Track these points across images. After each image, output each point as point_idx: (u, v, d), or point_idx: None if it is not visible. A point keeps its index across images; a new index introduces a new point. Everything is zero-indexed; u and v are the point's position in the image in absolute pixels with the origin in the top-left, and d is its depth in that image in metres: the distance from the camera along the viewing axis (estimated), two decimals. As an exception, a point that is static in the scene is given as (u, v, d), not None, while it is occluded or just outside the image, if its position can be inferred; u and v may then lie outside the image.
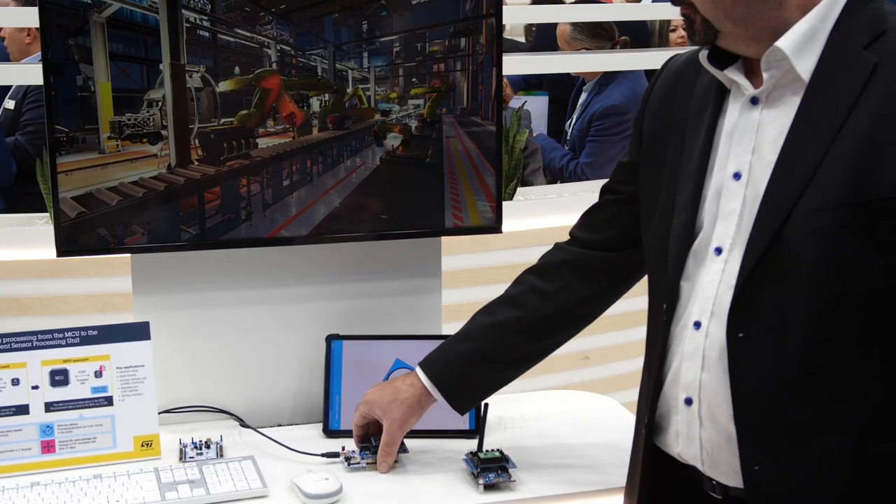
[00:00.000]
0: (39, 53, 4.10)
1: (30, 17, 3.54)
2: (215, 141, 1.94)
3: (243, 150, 1.96)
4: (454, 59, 2.04)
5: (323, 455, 1.94)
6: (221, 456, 1.92)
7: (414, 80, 2.05)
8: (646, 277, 1.71)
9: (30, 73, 3.47)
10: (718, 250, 1.48)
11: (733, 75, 1.50)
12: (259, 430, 2.05)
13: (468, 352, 1.85)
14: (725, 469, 1.50)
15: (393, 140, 2.06)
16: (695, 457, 1.53)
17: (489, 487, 1.81)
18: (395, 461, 1.89)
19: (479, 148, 2.08)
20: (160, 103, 1.86)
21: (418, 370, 1.87)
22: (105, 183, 1.89)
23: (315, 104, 2.01)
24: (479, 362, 1.85)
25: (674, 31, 5.50)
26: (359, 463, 1.89)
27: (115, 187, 1.89)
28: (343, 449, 1.92)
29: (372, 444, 1.91)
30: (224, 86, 1.94)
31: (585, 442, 2.03)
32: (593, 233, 1.82)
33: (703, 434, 1.51)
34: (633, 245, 1.75)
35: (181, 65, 1.84)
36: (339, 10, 1.97)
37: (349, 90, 2.02)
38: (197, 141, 1.93)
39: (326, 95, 2.00)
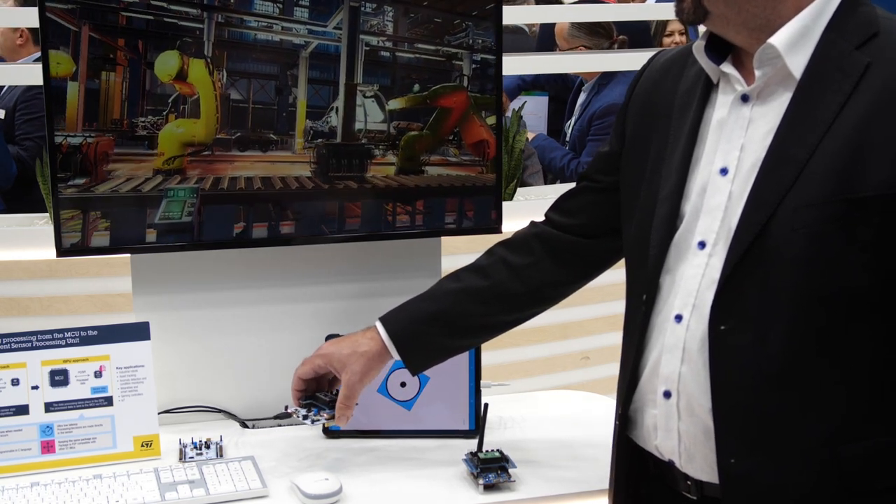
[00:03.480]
0: (33, 55, 4.12)
1: (28, 17, 3.53)
2: (327, 155, 2.00)
3: (356, 172, 1.98)
4: None
5: (275, 417, 1.99)
6: (221, 456, 1.92)
7: None
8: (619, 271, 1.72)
9: (24, 73, 3.47)
10: (702, 244, 1.49)
11: (728, 70, 1.50)
12: (259, 429, 2.05)
13: (430, 312, 1.84)
14: (701, 464, 1.50)
15: None
16: (673, 450, 1.53)
17: (489, 487, 1.81)
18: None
19: None
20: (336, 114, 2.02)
21: (378, 325, 1.84)
22: (282, 174, 2.01)
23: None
24: (439, 324, 1.83)
25: (669, 35, 5.49)
26: (319, 420, 1.86)
27: (285, 178, 2.01)
28: (286, 408, 1.90)
29: (322, 398, 1.87)
30: (394, 104, 1.94)
31: (585, 442, 2.03)
32: (566, 217, 1.83)
33: (682, 427, 1.51)
34: (604, 234, 1.77)
35: (354, 84, 1.96)
36: None
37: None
38: (314, 152, 2.01)
39: None
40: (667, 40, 5.50)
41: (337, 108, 2.00)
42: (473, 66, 1.85)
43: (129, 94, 1.91)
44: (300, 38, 2.00)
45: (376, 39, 1.95)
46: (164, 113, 1.96)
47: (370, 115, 1.98)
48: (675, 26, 5.47)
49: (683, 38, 5.44)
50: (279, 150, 2.02)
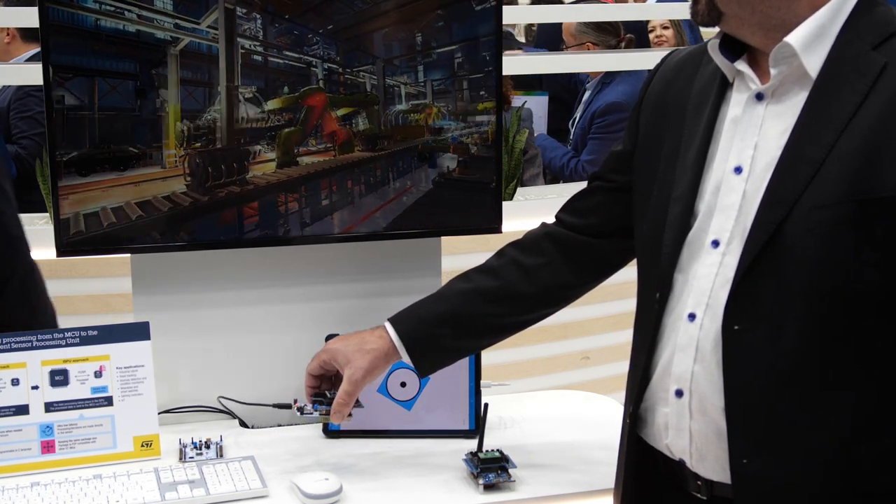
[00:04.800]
0: (24, 54, 4.12)
1: (23, 18, 3.53)
2: (203, 164, 1.95)
3: (237, 175, 1.95)
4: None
5: (274, 406, 1.99)
6: (221, 456, 1.92)
7: (483, 93, 1.99)
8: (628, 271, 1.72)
9: (23, 73, 3.47)
10: (715, 243, 1.49)
11: (742, 68, 1.50)
12: (259, 429, 2.06)
13: (440, 313, 1.82)
14: (713, 464, 1.50)
15: (448, 161, 2.01)
16: (684, 449, 1.53)
17: (489, 487, 1.81)
18: (349, 415, 1.83)
19: None
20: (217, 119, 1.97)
21: (387, 325, 1.83)
22: (162, 192, 1.95)
23: (362, 123, 1.99)
24: (449, 325, 1.82)
25: (651, 31, 5.50)
26: (311, 414, 1.85)
27: (169, 196, 1.96)
28: (295, 402, 1.89)
29: (327, 396, 1.85)
30: (271, 104, 1.97)
31: (585, 442, 2.03)
32: (579, 217, 1.82)
33: (693, 426, 1.51)
34: (616, 234, 1.77)
35: (234, 86, 1.95)
36: (389, 25, 1.96)
37: (401, 106, 2.00)
38: (187, 163, 1.94)
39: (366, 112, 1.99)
40: (651, 36, 5.50)
41: (218, 112, 1.94)
42: (325, 72, 1.97)
43: None
44: (165, 31, 1.89)
45: (249, 43, 1.93)
46: None
47: (250, 117, 1.97)
48: (658, 21, 5.47)
49: (667, 32, 5.43)
50: (143, 166, 1.91)
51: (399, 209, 2.03)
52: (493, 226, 2.13)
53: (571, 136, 4.66)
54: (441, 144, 2.01)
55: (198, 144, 1.94)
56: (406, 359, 1.82)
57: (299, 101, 1.98)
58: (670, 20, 5.40)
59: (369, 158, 2.01)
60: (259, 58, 1.95)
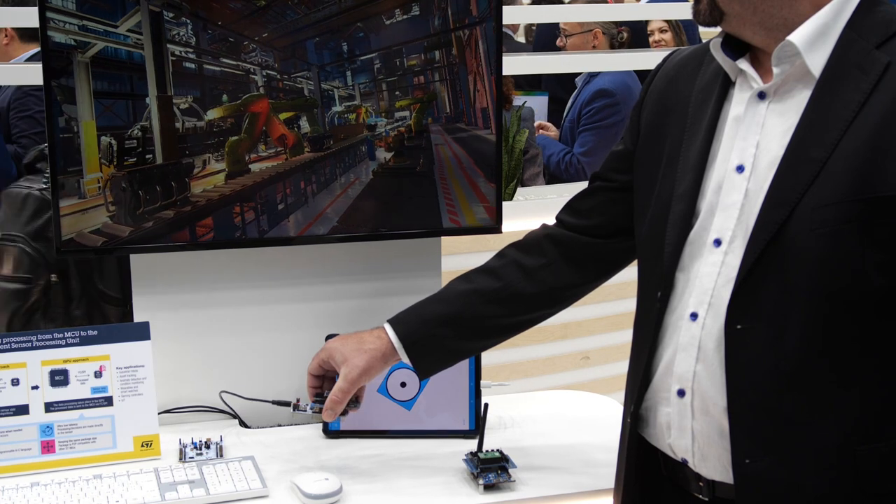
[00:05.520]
0: (23, 54, 4.11)
1: (20, 17, 3.53)
2: (132, 189, 1.87)
3: (174, 196, 1.88)
4: (432, 71, 2.06)
5: (273, 402, 1.99)
6: (221, 456, 1.92)
7: (398, 93, 2.05)
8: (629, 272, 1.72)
9: (23, 73, 3.46)
10: (717, 242, 1.49)
11: (744, 67, 1.50)
12: (259, 429, 2.06)
13: (440, 314, 1.82)
14: (715, 464, 1.50)
15: (384, 153, 2.07)
16: (686, 448, 1.53)
17: (489, 487, 1.81)
18: (344, 413, 1.82)
19: (467, 152, 2.09)
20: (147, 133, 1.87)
21: (386, 326, 1.82)
22: (88, 227, 1.89)
23: (305, 125, 2.01)
24: (450, 326, 1.81)
25: (650, 35, 5.50)
26: (304, 411, 1.85)
27: (99, 229, 1.89)
28: (297, 401, 1.90)
29: (324, 396, 1.85)
30: (212, 113, 1.93)
31: (585, 442, 2.03)
32: (580, 218, 1.82)
33: (696, 426, 1.51)
34: (618, 234, 1.76)
35: (168, 97, 1.84)
36: (319, 35, 1.98)
37: (337, 108, 2.02)
38: (110, 190, 1.86)
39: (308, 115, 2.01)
40: (650, 40, 5.50)
41: (149, 127, 1.84)
42: (265, 79, 1.97)
43: None
44: (66, 34, 1.74)
45: (180, 50, 1.86)
46: None
47: (188, 128, 1.90)
48: (656, 24, 5.47)
49: (666, 35, 5.42)
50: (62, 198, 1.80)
51: (346, 202, 2.06)
52: (493, 226, 2.14)
53: (561, 131, 4.68)
54: (378, 139, 2.06)
55: (132, 160, 1.84)
56: (405, 359, 1.81)
57: (242, 109, 1.95)
58: (668, 23, 5.40)
59: (319, 158, 2.03)
60: (193, 65, 1.87)
